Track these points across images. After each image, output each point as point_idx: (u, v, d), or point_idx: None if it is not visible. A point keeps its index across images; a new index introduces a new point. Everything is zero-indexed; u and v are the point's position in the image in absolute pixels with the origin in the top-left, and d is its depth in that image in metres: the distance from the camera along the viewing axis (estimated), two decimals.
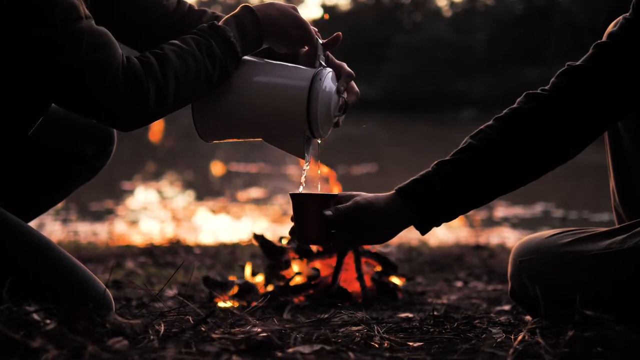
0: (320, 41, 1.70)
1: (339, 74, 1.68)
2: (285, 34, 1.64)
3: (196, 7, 1.79)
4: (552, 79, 1.67)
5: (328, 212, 1.60)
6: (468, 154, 1.61)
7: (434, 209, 1.61)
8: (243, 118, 1.63)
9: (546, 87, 1.66)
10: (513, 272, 1.83)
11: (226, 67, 1.57)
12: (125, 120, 1.50)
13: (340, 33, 1.72)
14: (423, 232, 1.64)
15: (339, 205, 1.61)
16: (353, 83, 1.71)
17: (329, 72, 1.63)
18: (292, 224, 1.68)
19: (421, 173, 1.62)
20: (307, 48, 1.70)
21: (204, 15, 1.77)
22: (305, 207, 1.62)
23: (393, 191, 1.62)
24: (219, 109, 1.62)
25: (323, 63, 1.67)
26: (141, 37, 1.72)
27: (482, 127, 1.64)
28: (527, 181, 1.65)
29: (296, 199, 1.64)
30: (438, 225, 1.64)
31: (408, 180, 1.62)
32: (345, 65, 1.71)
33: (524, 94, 1.67)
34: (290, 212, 1.69)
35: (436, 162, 1.63)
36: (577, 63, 1.64)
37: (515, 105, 1.65)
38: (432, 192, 1.59)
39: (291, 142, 1.64)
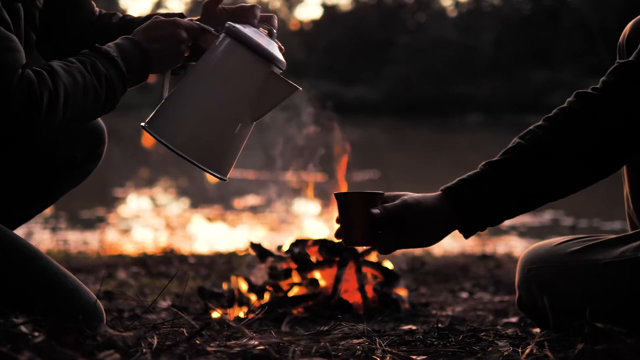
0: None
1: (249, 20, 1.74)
2: (173, 57, 1.68)
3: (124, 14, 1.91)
4: (603, 78, 1.62)
5: (375, 210, 1.58)
6: (516, 155, 1.59)
7: (479, 212, 1.59)
8: (221, 115, 1.65)
9: (597, 86, 1.62)
10: (521, 282, 1.82)
11: (113, 85, 1.60)
12: (15, 125, 1.52)
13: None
14: (467, 236, 1.62)
15: (387, 204, 1.59)
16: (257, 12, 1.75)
17: (234, 25, 1.67)
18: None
19: (468, 173, 1.61)
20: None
21: (114, 17, 1.89)
22: (351, 206, 1.61)
23: (439, 191, 1.61)
24: (206, 131, 1.64)
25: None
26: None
27: (531, 127, 1.62)
28: (577, 187, 1.62)
29: (341, 197, 1.63)
30: (482, 229, 1.62)
31: (455, 180, 1.61)
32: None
33: (574, 93, 1.64)
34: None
35: (484, 162, 1.61)
36: (629, 59, 1.60)
37: (564, 105, 1.63)
38: (479, 194, 1.58)
39: (274, 89, 1.65)
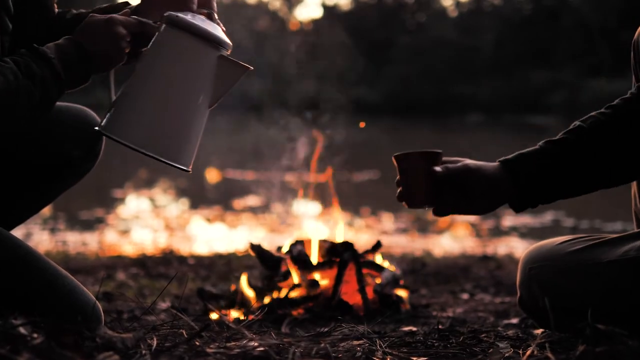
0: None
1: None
2: (114, 56, 1.66)
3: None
4: None
5: (437, 169, 1.61)
6: (576, 136, 1.62)
7: (535, 187, 1.62)
8: (176, 100, 1.64)
9: None
10: (522, 281, 1.82)
11: (47, 86, 1.58)
12: None
13: None
14: (518, 210, 1.65)
15: (449, 165, 1.62)
16: None
17: (174, 13, 1.66)
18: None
19: (528, 149, 1.64)
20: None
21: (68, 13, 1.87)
22: (413, 166, 1.63)
23: (497, 162, 1.63)
24: (162, 124, 1.63)
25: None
26: None
27: (592, 113, 1.65)
28: (633, 176, 1.66)
29: (402, 158, 1.65)
30: (534, 206, 1.65)
31: (514, 154, 1.64)
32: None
33: (637, 85, 1.66)
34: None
35: (544, 140, 1.64)
36: None
37: (627, 95, 1.66)
38: (536, 169, 1.61)
39: (225, 72, 1.64)
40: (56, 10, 1.89)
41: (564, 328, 1.63)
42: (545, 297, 1.68)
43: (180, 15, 1.64)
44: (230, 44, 1.67)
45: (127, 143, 1.60)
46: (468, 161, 1.63)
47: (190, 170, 1.65)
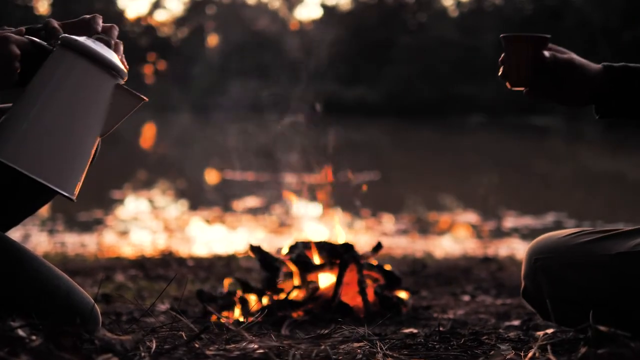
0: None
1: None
2: (5, 75, 1.59)
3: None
4: None
5: (547, 54, 1.68)
6: None
7: (625, 89, 1.68)
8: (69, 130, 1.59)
9: None
10: (527, 272, 1.81)
11: None
12: None
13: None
14: (602, 115, 1.72)
15: (557, 54, 1.70)
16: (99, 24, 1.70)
17: (70, 36, 1.61)
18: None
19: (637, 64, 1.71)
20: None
21: None
22: (521, 48, 1.72)
23: (601, 65, 1.71)
24: (50, 149, 1.57)
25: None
26: None
27: None
28: None
29: (512, 39, 1.74)
30: (618, 115, 1.71)
31: (620, 63, 1.71)
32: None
33: None
34: None
35: None
36: None
37: None
38: (635, 77, 1.67)
39: (119, 101, 1.60)
40: None
41: (568, 321, 1.63)
42: (550, 288, 1.67)
43: (79, 39, 1.59)
44: (126, 72, 1.63)
45: (10, 164, 1.54)
46: (574, 55, 1.71)
47: (74, 198, 1.58)
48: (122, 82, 1.62)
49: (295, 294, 2.52)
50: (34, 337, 1.23)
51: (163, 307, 2.72)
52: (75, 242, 5.66)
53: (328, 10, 39.69)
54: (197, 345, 1.40)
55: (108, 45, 1.65)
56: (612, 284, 1.63)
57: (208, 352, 1.33)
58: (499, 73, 1.79)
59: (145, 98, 1.61)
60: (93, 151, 1.62)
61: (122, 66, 1.62)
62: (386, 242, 5.34)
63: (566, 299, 1.65)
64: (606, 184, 10.94)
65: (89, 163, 1.62)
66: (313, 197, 3.30)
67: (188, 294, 2.93)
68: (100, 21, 1.69)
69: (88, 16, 1.71)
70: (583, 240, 1.72)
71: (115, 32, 1.71)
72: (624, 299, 1.61)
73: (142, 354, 1.30)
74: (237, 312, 2.51)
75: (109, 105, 1.60)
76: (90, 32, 1.66)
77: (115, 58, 1.62)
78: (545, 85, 1.71)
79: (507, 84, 1.78)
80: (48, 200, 2.00)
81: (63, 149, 1.58)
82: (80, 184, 1.60)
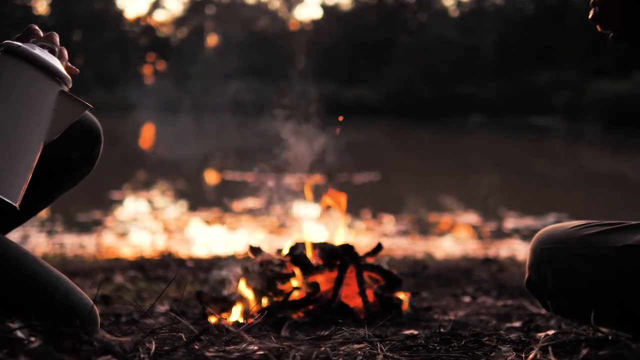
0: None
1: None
2: None
3: None
4: None
5: None
6: None
7: None
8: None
9: None
10: (532, 262, 1.80)
11: None
12: None
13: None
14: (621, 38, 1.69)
15: None
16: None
17: (13, 42, 1.60)
18: None
19: None
20: None
21: None
22: None
23: None
24: None
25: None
26: None
27: None
28: None
29: None
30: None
31: None
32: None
33: None
34: None
35: None
36: None
37: None
38: None
39: (63, 108, 1.58)
40: None
41: (571, 313, 1.62)
42: (555, 279, 1.66)
43: (22, 45, 1.58)
44: (71, 79, 1.62)
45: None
46: None
47: (17, 205, 1.56)
48: (66, 88, 1.60)
49: (295, 295, 2.52)
50: (32, 339, 1.22)
51: (162, 308, 2.72)
52: (74, 243, 5.66)
53: (328, 10, 39.71)
54: (196, 347, 1.40)
55: (52, 51, 1.65)
56: (618, 276, 1.62)
57: (208, 354, 1.33)
58: (589, 16, 1.74)
59: (89, 105, 1.59)
60: (37, 158, 1.59)
61: (65, 73, 1.60)
62: (386, 243, 5.35)
63: (571, 289, 1.65)
64: (606, 184, 10.95)
65: (32, 170, 1.59)
66: (313, 198, 3.29)
67: (187, 296, 2.93)
68: (37, 30, 1.68)
69: (27, 27, 1.70)
70: (590, 232, 1.71)
71: (57, 38, 1.70)
72: (629, 291, 1.60)
73: (142, 355, 1.30)
74: (236, 314, 2.51)
75: (53, 112, 1.58)
76: (32, 37, 1.66)
77: (59, 64, 1.61)
78: (638, 27, 1.68)
79: (598, 27, 1.73)
80: (49, 203, 2.00)
81: (6, 156, 1.55)
82: (23, 191, 1.57)
